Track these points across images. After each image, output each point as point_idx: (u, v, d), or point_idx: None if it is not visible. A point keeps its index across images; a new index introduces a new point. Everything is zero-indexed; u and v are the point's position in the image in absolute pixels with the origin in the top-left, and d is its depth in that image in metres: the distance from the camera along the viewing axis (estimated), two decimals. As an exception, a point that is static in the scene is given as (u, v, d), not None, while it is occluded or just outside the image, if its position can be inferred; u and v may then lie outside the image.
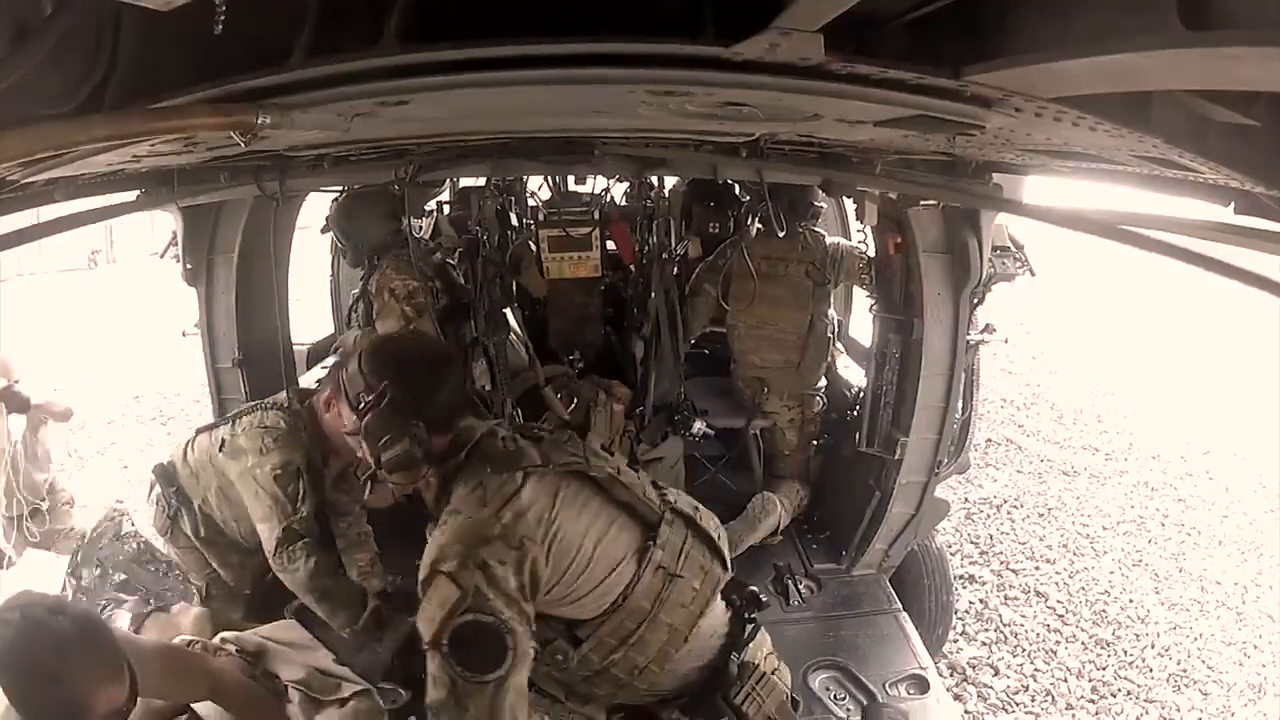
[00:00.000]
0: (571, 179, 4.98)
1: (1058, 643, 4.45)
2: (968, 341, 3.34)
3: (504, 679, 1.55)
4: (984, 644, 4.40)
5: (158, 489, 3.04)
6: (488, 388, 3.82)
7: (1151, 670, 4.25)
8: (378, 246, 3.83)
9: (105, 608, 2.99)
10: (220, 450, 2.85)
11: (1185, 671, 4.25)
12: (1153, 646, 4.44)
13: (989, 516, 5.82)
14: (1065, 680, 4.14)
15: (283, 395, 2.93)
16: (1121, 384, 8.78)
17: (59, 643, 1.76)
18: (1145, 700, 4.02)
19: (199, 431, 3.06)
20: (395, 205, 3.75)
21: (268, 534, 2.74)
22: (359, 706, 2.39)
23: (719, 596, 1.91)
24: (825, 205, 4.19)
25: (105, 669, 1.83)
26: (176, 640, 2.48)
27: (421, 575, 1.64)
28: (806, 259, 3.99)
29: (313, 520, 2.78)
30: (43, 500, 4.48)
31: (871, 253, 3.84)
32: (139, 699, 1.91)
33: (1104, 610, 4.75)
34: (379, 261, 3.80)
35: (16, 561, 4.18)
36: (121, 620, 2.75)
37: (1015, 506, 5.98)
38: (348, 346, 4.17)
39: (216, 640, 2.53)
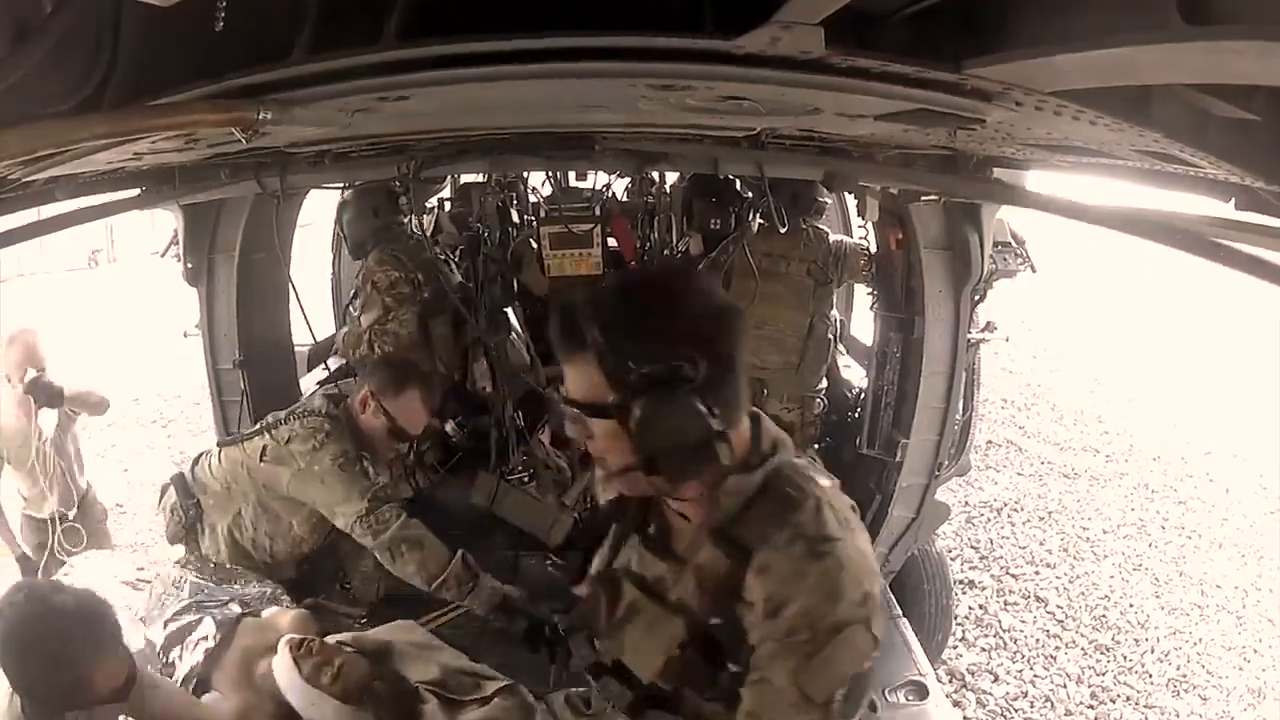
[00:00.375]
0: (572, 175, 4.98)
1: (1057, 648, 4.43)
2: (969, 340, 3.34)
3: None
4: (983, 650, 4.39)
5: (172, 497, 3.04)
6: (488, 388, 3.82)
7: (1151, 676, 4.24)
8: (363, 240, 3.93)
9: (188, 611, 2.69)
10: (262, 459, 2.84)
11: (1185, 677, 4.24)
12: (1152, 651, 4.43)
13: (989, 520, 5.81)
14: (1064, 686, 4.13)
15: (315, 401, 2.96)
16: (1122, 383, 8.77)
17: (62, 621, 1.79)
18: (1145, 706, 4.01)
19: (221, 445, 3.06)
20: (378, 202, 3.83)
21: (351, 511, 2.73)
22: (504, 704, 2.21)
23: None
24: (829, 201, 4.17)
25: (105, 647, 1.84)
26: (284, 640, 2.25)
27: (818, 623, 1.20)
28: (809, 257, 3.97)
29: (394, 488, 2.82)
30: (73, 508, 3.95)
31: (873, 248, 3.83)
32: None
33: (1104, 615, 4.74)
34: (369, 255, 3.87)
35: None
36: (206, 628, 2.53)
37: (1015, 510, 5.97)
38: (338, 344, 4.20)
39: (331, 640, 2.33)
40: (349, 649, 2.24)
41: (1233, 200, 1.31)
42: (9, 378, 3.66)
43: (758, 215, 4.14)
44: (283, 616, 2.61)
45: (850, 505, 1.34)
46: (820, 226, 4.05)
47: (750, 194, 4.24)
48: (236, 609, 2.61)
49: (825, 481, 1.33)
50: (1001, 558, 5.34)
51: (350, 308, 4.11)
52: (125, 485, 6.03)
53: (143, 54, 1.10)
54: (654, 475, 1.25)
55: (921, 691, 3.06)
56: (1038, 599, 4.87)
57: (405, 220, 3.96)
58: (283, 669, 2.19)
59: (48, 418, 3.75)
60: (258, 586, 2.80)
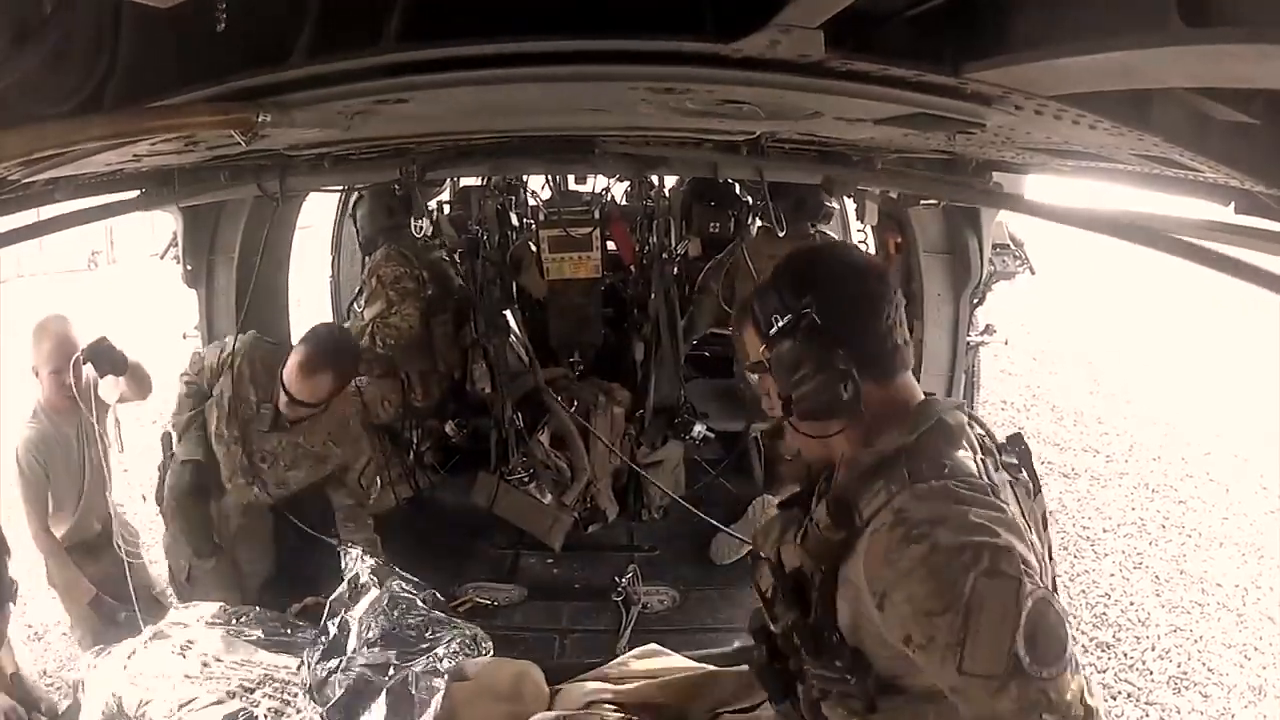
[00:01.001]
0: (572, 178, 4.98)
1: (1058, 645, 4.42)
2: (968, 343, 3.35)
3: None
4: (985, 647, 4.38)
5: (160, 458, 3.14)
6: (487, 390, 3.82)
7: (1152, 673, 4.23)
8: (374, 236, 3.98)
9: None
10: None
11: (1185, 674, 4.23)
12: (1153, 649, 4.42)
13: (989, 519, 5.79)
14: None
15: None
16: (1122, 385, 8.76)
17: None
18: (1146, 703, 4.00)
19: None
20: (391, 201, 3.85)
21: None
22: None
23: None
24: (835, 206, 4.16)
25: None
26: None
27: (938, 611, 1.17)
28: None
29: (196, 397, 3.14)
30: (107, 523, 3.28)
31: (872, 253, 3.82)
32: None
33: (1104, 613, 4.73)
34: (376, 251, 3.93)
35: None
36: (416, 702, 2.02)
37: (1015, 509, 5.94)
38: None
39: (587, 694, 1.95)
40: (608, 713, 1.87)
41: (1232, 204, 1.31)
42: (36, 372, 3.08)
43: (757, 219, 4.14)
44: (499, 671, 2.16)
45: (997, 498, 1.27)
46: (827, 231, 4.02)
47: (750, 198, 4.23)
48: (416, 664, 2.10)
49: (971, 466, 1.30)
50: (1001, 557, 5.31)
51: (354, 305, 4.13)
52: (125, 486, 6.00)
53: (142, 55, 1.10)
54: (792, 417, 1.39)
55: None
56: (1038, 599, 4.85)
57: (399, 220, 3.99)
58: None
59: (103, 396, 3.17)
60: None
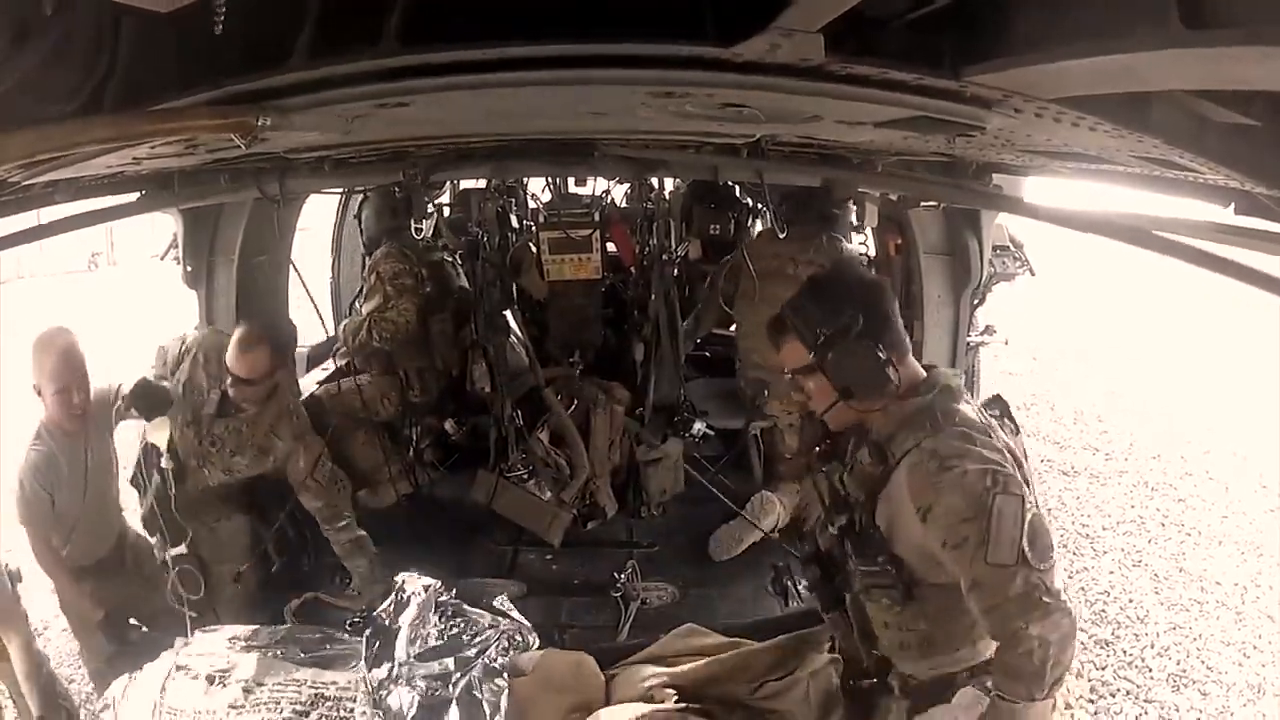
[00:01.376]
0: (571, 180, 4.98)
1: (1058, 643, 4.41)
2: (968, 343, 3.34)
3: None
4: (984, 645, 4.38)
5: None
6: (488, 389, 3.82)
7: (1151, 670, 4.23)
8: (378, 236, 3.98)
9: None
10: None
11: (1184, 672, 4.23)
12: (1152, 646, 4.42)
13: (989, 517, 5.78)
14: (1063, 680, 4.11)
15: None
16: (1122, 384, 8.76)
17: None
18: (1144, 700, 4.00)
19: None
20: (395, 202, 3.87)
21: None
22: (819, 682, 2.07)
23: None
24: (840, 212, 4.09)
25: None
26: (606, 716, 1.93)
27: (967, 516, 1.62)
28: (818, 261, 3.88)
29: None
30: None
31: (872, 254, 3.82)
32: None
33: (1103, 610, 4.73)
34: (379, 250, 3.93)
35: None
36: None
37: (1015, 507, 5.93)
38: (339, 339, 4.22)
39: (638, 688, 2.01)
40: (668, 698, 2.01)
41: (1232, 205, 1.31)
42: (38, 390, 2.84)
43: (756, 220, 4.12)
44: (554, 663, 2.19)
45: (994, 438, 1.73)
46: (835, 234, 3.98)
47: (750, 199, 4.22)
48: (441, 666, 2.08)
49: (973, 416, 1.75)
50: (1001, 555, 5.31)
51: (355, 302, 4.14)
52: (124, 485, 5.99)
53: (142, 56, 1.10)
54: (851, 399, 1.80)
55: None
56: (1037, 597, 4.85)
57: (401, 221, 3.99)
58: None
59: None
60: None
